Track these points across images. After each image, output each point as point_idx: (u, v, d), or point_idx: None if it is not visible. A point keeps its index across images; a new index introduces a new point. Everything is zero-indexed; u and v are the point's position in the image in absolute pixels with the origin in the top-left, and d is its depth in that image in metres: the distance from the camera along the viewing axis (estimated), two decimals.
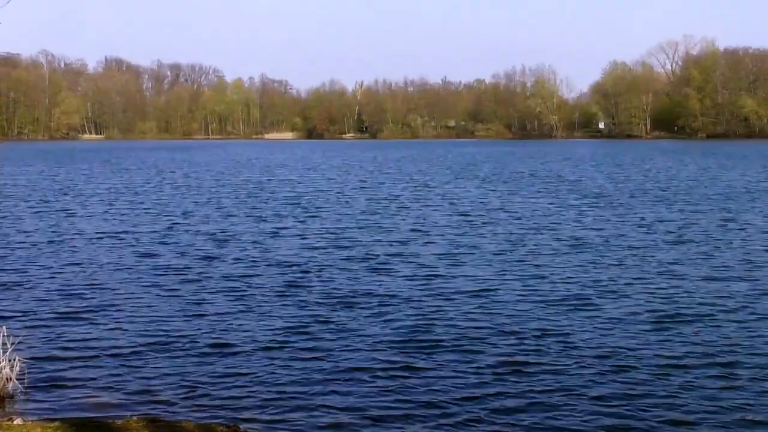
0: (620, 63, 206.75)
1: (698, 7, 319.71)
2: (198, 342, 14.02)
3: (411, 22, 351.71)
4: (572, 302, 16.89)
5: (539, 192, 44.72)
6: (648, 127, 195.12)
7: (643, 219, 31.28)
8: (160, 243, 25.36)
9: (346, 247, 24.35)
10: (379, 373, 12.38)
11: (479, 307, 16.49)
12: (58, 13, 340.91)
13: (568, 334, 14.45)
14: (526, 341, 13.99)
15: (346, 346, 13.78)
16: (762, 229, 28.09)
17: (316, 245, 24.77)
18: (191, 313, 16.06)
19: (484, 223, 30.13)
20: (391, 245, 24.73)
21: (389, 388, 11.75)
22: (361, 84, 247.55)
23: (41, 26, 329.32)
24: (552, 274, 19.96)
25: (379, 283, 19.00)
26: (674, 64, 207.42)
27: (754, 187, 47.04)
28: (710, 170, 64.50)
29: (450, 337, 14.26)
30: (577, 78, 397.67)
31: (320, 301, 17.14)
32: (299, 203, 38.35)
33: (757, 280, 19.17)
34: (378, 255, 22.82)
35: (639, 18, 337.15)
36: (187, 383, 11.99)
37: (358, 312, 16.16)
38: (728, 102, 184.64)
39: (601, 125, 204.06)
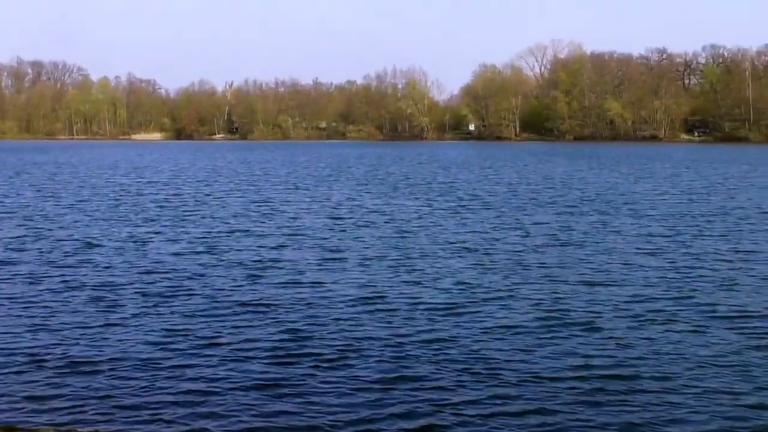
0: (490, 65, 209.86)
1: (566, 11, 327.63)
2: (53, 357, 13.02)
3: (283, 23, 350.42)
4: (452, 309, 16.47)
5: (414, 195, 44.46)
6: (517, 129, 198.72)
7: (519, 222, 31.27)
8: (17, 250, 23.90)
9: (218, 253, 23.40)
10: (252, 389, 11.69)
11: (358, 316, 15.91)
12: None
13: (449, 343, 13.99)
14: (408, 351, 13.47)
15: (217, 359, 13.01)
16: (635, 232, 28.35)
17: (186, 251, 23.74)
18: (48, 326, 14.96)
19: (359, 227, 29.57)
20: (265, 251, 23.88)
21: (262, 405, 11.08)
22: (231, 84, 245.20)
23: None
24: (433, 279, 19.52)
25: (252, 291, 18.21)
26: (543, 68, 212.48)
27: (625, 189, 47.91)
28: (581, 172, 65.71)
29: (327, 349, 13.62)
30: (447, 80, 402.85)
31: (189, 311, 16.26)
32: (168, 207, 37.04)
33: (633, 283, 19.16)
34: (251, 261, 21.97)
35: (509, 21, 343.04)
36: (38, 401, 11.11)
37: (229, 323, 15.35)
38: (594, 105, 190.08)
39: (472, 127, 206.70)
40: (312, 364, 12.85)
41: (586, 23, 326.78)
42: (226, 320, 15.52)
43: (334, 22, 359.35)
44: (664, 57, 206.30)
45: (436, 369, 12.58)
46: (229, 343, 13.90)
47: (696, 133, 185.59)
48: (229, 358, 13.07)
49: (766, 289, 18.46)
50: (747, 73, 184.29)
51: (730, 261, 22.31)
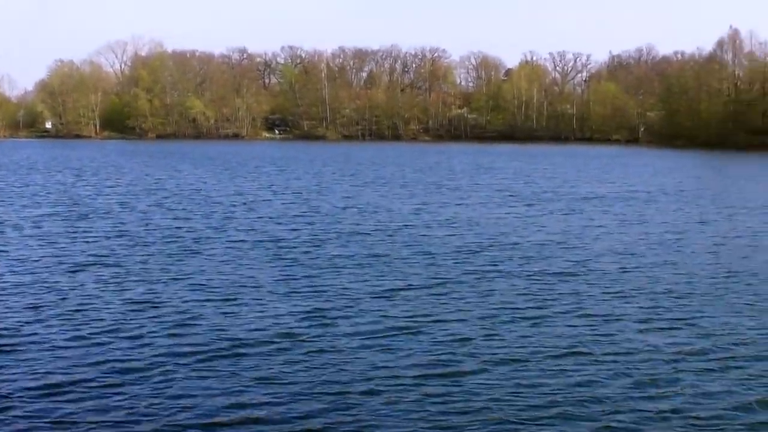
0: (67, 61, 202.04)
1: (144, 8, 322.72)
2: None
3: None
4: (83, 340, 14.84)
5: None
6: (98, 127, 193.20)
7: (123, 230, 29.66)
8: None
9: None
10: None
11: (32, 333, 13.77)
12: None
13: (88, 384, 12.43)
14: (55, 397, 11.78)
15: None
16: (252, 238, 27.92)
17: None
18: None
19: None
20: None
21: None
22: None
23: None
24: (57, 302, 17.65)
25: None
26: (123, 65, 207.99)
27: (232, 190, 47.49)
28: (179, 173, 64.58)
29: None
30: (21, 75, 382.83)
31: None
32: None
33: (261, 297, 18.59)
34: None
35: (88, 16, 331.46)
36: None
37: None
38: (177, 103, 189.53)
39: (49, 125, 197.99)
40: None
41: (167, 21, 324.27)
42: None
43: None
44: (245, 56, 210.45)
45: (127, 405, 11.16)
46: None
47: (277, 131, 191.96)
48: None
49: (424, 299, 18.47)
50: (323, 74, 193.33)
51: (368, 265, 22.36)
